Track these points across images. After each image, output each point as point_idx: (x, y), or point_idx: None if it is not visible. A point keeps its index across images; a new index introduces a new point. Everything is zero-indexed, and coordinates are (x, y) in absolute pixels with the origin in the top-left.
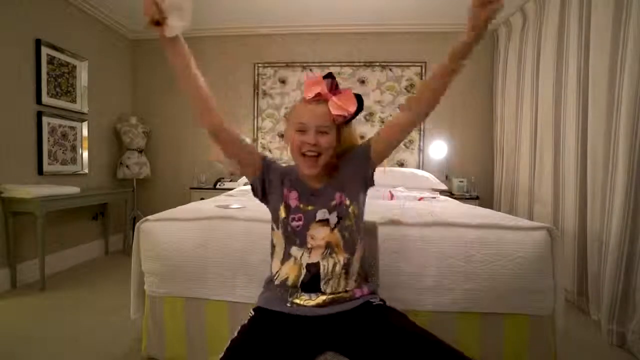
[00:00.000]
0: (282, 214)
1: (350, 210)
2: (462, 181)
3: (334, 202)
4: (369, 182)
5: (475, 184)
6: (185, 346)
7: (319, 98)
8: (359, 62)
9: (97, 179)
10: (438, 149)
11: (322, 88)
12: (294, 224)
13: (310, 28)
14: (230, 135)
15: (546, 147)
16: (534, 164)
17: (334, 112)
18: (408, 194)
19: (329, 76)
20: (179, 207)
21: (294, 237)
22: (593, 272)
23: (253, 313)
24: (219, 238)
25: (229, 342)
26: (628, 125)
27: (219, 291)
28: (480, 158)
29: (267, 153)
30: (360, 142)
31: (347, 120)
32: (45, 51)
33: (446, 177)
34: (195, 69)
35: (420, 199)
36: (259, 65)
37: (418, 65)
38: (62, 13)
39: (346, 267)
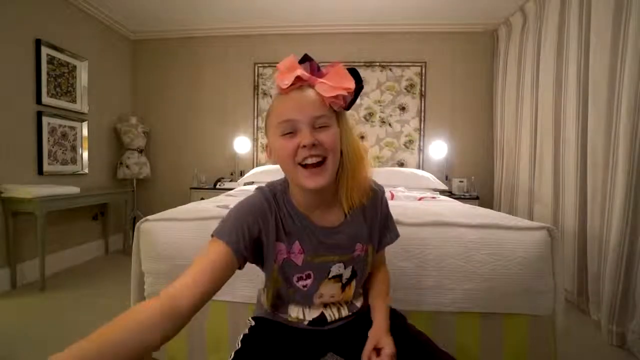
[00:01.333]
0: (278, 282)
1: (368, 258)
2: (462, 181)
3: (353, 254)
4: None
5: (475, 184)
6: (185, 346)
7: (300, 83)
8: (359, 62)
9: (97, 179)
10: (438, 149)
11: (301, 71)
12: (300, 284)
13: (310, 28)
14: (203, 296)
15: (546, 147)
16: (534, 164)
17: (327, 94)
18: (408, 194)
19: (306, 59)
20: (179, 207)
21: (295, 297)
22: (593, 272)
23: (253, 323)
24: None
25: (233, 354)
26: (628, 125)
27: (219, 291)
28: (480, 158)
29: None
30: (359, 140)
31: (348, 105)
32: (45, 51)
33: (446, 177)
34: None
35: (420, 199)
36: (259, 65)
37: (418, 65)
38: (62, 13)
39: (350, 306)
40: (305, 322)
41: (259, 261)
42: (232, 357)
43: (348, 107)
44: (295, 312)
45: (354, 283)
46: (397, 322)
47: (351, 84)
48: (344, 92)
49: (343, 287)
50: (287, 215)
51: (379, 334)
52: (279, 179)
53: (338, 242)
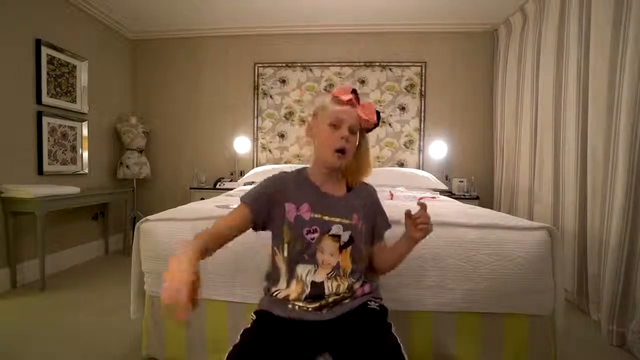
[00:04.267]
0: (286, 236)
1: (363, 235)
2: (462, 181)
3: (349, 221)
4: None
5: (475, 184)
6: (185, 346)
7: (350, 104)
8: (359, 62)
9: (97, 179)
10: (438, 149)
11: (352, 95)
12: (309, 236)
13: (310, 28)
14: (226, 236)
15: (546, 147)
16: (534, 164)
17: (364, 116)
18: (408, 194)
19: (354, 92)
20: (179, 207)
21: (303, 252)
22: (593, 272)
23: (254, 317)
24: None
25: (232, 347)
26: (628, 125)
27: (219, 291)
28: (480, 158)
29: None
30: (369, 154)
31: (368, 129)
32: (45, 51)
33: (446, 177)
34: (221, 239)
35: (420, 199)
36: (259, 65)
37: (418, 66)
38: (62, 13)
39: (350, 287)
40: (306, 293)
41: (271, 221)
42: (229, 350)
43: (368, 131)
44: (300, 270)
45: (349, 249)
46: (381, 328)
47: (375, 118)
48: (372, 121)
49: (340, 249)
50: (303, 184)
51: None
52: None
53: (338, 207)
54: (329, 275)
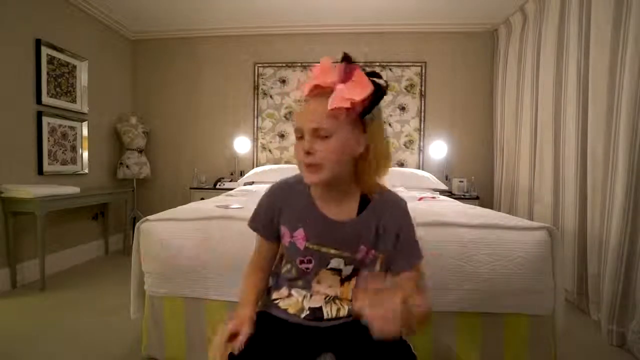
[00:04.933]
0: (284, 255)
1: (376, 262)
2: (462, 181)
3: (354, 255)
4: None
5: (475, 184)
6: (185, 346)
7: (319, 90)
8: (359, 62)
9: (97, 179)
10: (438, 149)
11: (324, 77)
12: (303, 266)
13: (310, 28)
14: (269, 269)
15: (546, 147)
16: (534, 164)
17: (330, 105)
18: (408, 194)
19: (345, 59)
20: (179, 207)
21: (298, 278)
22: (593, 272)
23: (254, 317)
24: (219, 238)
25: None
26: (628, 125)
27: (219, 291)
28: (480, 158)
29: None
30: (386, 144)
31: (363, 112)
32: (45, 51)
33: (446, 177)
34: (263, 284)
35: (420, 199)
36: (259, 65)
37: (418, 66)
38: (62, 13)
39: (351, 308)
40: (304, 314)
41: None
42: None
43: (363, 114)
44: (296, 294)
45: (354, 281)
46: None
47: (359, 95)
48: (346, 104)
49: (342, 282)
50: (301, 201)
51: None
52: None
53: (341, 237)
54: (327, 299)
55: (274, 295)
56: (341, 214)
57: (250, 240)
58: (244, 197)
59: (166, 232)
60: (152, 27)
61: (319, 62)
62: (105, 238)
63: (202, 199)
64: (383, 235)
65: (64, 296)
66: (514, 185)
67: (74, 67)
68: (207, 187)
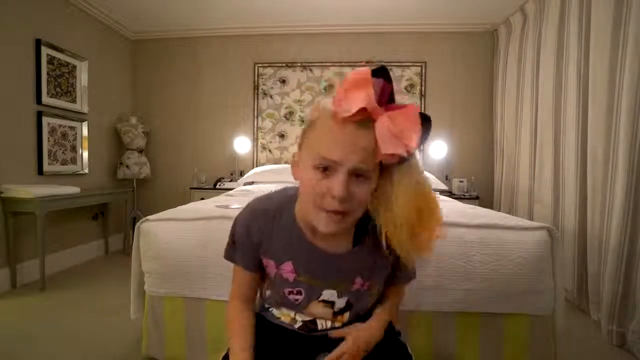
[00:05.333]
0: (271, 287)
1: (372, 294)
2: (462, 181)
3: (351, 287)
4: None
5: (475, 184)
6: (185, 346)
7: (362, 117)
8: (359, 62)
9: (97, 179)
10: (438, 149)
11: (369, 97)
12: (292, 297)
13: (310, 28)
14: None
15: (546, 147)
16: (534, 164)
17: (385, 150)
18: None
19: (381, 73)
20: (179, 207)
21: (288, 305)
22: (593, 272)
23: None
24: (219, 238)
25: (227, 350)
26: (628, 125)
27: (219, 291)
28: (480, 158)
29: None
30: (421, 196)
31: (402, 159)
32: (45, 51)
33: (446, 177)
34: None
35: None
36: (259, 65)
37: (418, 66)
38: (62, 13)
39: (346, 324)
40: (297, 325)
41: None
42: (223, 355)
43: (403, 161)
44: (286, 312)
45: (347, 315)
46: (389, 333)
47: (416, 139)
48: (403, 152)
49: (335, 315)
50: (287, 230)
51: (356, 332)
52: (294, 187)
53: (336, 270)
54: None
55: (266, 304)
56: (335, 246)
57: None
58: (244, 197)
59: (166, 232)
60: (152, 27)
61: (319, 62)
62: (105, 238)
63: (202, 199)
64: (383, 264)
65: (64, 296)
66: (514, 185)
67: (74, 67)
68: (207, 187)
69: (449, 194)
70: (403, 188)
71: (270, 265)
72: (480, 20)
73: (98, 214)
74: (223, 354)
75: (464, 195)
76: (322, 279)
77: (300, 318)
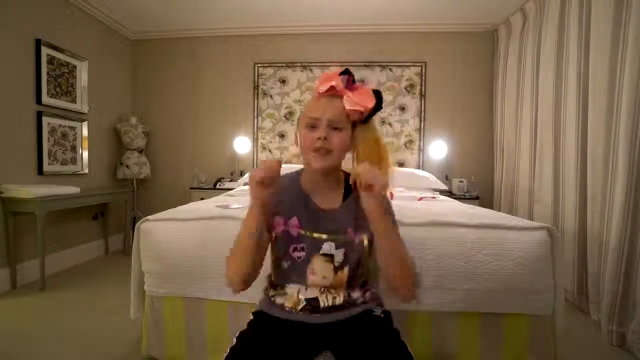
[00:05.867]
0: (273, 253)
1: (363, 247)
2: (462, 181)
3: (343, 237)
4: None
5: (475, 184)
6: (185, 346)
7: (333, 92)
8: (359, 62)
9: (97, 179)
10: (438, 149)
11: (337, 82)
12: (296, 255)
13: (310, 28)
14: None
15: (546, 147)
16: (534, 164)
17: (348, 107)
18: (408, 193)
19: (346, 72)
20: (179, 207)
21: (292, 270)
22: (593, 272)
23: (252, 317)
24: (219, 238)
25: (228, 350)
26: (628, 125)
27: (219, 291)
28: (480, 158)
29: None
30: (379, 145)
31: (364, 118)
32: (45, 51)
33: (446, 177)
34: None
35: (420, 199)
36: (259, 65)
37: (418, 66)
38: (62, 13)
39: (347, 297)
40: (300, 305)
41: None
42: (227, 353)
43: (364, 120)
44: (291, 290)
45: (346, 270)
46: (388, 333)
47: (370, 104)
48: (361, 109)
49: (335, 270)
50: (294, 193)
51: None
52: (300, 167)
53: (329, 221)
54: (322, 290)
55: (271, 292)
56: (329, 203)
57: None
58: (244, 197)
59: (166, 232)
60: (152, 27)
61: (319, 62)
62: (105, 238)
63: (202, 199)
64: (361, 212)
65: (64, 296)
66: (514, 185)
67: (74, 67)
68: (207, 187)
69: (449, 194)
70: (364, 139)
71: (279, 223)
72: (480, 20)
73: (98, 214)
74: (225, 354)
75: (464, 195)
76: (320, 229)
77: (303, 296)
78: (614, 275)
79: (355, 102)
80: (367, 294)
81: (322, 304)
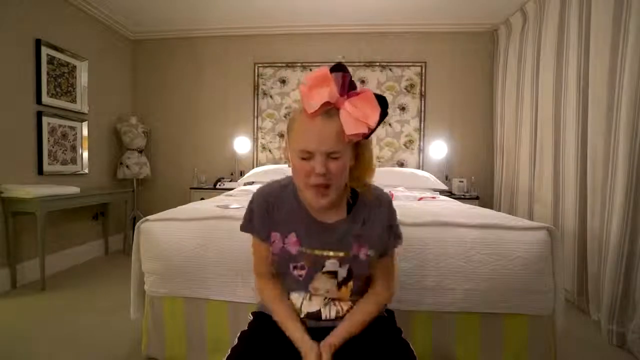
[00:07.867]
0: (277, 267)
1: (369, 261)
2: (462, 181)
3: (348, 253)
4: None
5: (475, 184)
6: (185, 346)
7: (328, 107)
8: (359, 62)
9: (97, 179)
10: (438, 149)
11: (331, 91)
12: (296, 273)
13: (310, 28)
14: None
15: (546, 147)
16: (534, 164)
17: (350, 132)
18: (408, 193)
19: (339, 68)
20: (179, 207)
21: (293, 285)
22: (593, 272)
23: (252, 317)
24: (219, 238)
25: (229, 350)
26: (628, 125)
27: (219, 291)
28: (480, 158)
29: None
30: (371, 163)
31: (369, 134)
32: (45, 51)
33: (446, 177)
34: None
35: (420, 199)
36: (259, 65)
37: (418, 66)
38: (62, 13)
39: (351, 306)
40: (302, 315)
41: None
42: (228, 353)
43: (368, 137)
44: (294, 298)
45: (351, 284)
46: (391, 332)
47: (375, 118)
48: (364, 130)
49: (339, 285)
50: (290, 207)
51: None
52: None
53: (334, 237)
54: (326, 301)
55: None
56: (332, 216)
57: (250, 240)
58: (244, 197)
59: (166, 232)
60: (152, 27)
61: (319, 62)
62: (105, 238)
63: (202, 199)
64: (368, 227)
65: (64, 296)
66: (514, 185)
67: (74, 67)
68: (207, 187)
69: (449, 194)
70: (362, 158)
71: (277, 240)
72: (480, 20)
73: (98, 214)
74: (226, 354)
75: (464, 195)
76: (324, 246)
77: (305, 309)
78: (614, 275)
79: (356, 120)
80: None
81: (323, 317)
